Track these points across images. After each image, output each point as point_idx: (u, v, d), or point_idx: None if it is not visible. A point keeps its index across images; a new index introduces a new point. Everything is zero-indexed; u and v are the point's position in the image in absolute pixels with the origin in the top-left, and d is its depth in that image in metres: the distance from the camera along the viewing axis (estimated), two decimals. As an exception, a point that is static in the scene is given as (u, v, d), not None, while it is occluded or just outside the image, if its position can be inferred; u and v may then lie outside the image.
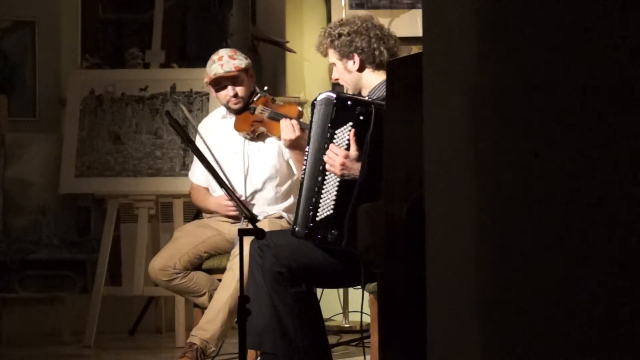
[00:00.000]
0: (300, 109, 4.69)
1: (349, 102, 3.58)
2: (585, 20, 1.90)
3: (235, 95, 4.68)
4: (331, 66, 3.96)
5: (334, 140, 3.58)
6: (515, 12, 1.95)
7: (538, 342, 1.92)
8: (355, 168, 3.53)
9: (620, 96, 1.88)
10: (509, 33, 1.95)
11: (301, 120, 4.51)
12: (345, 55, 3.85)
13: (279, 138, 4.56)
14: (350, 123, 3.56)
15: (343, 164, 3.54)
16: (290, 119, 4.50)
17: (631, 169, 1.87)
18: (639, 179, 1.87)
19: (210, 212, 4.80)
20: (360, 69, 3.86)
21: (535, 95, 1.93)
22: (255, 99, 4.72)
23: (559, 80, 1.92)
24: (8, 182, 5.76)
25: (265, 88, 4.78)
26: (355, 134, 3.54)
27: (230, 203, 4.64)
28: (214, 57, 4.73)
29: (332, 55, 3.89)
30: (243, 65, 4.69)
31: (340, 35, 3.85)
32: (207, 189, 4.82)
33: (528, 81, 1.94)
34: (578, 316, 1.90)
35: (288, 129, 4.44)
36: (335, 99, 3.59)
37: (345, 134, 3.57)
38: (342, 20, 3.98)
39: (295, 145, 4.46)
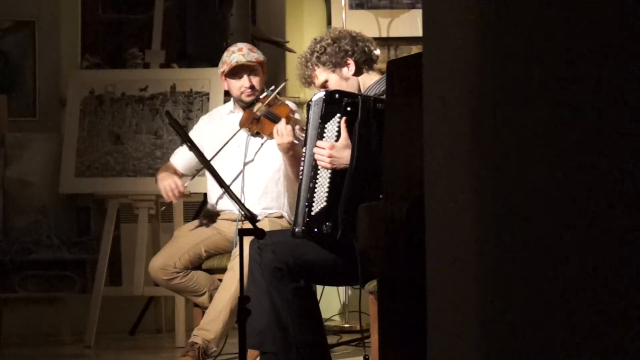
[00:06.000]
0: (293, 107, 4.70)
1: (336, 95, 3.65)
2: (587, 19, 1.90)
3: (251, 87, 4.73)
4: (324, 87, 3.93)
5: (325, 134, 3.64)
6: (516, 12, 1.95)
7: (538, 342, 1.92)
8: (344, 157, 3.58)
9: (621, 97, 1.88)
10: (509, 32, 1.95)
11: (297, 130, 4.43)
12: (338, 64, 3.88)
13: (270, 137, 4.60)
14: (338, 114, 3.63)
15: (330, 156, 3.58)
16: (280, 119, 4.51)
17: (633, 171, 1.87)
18: None
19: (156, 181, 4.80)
20: (357, 72, 3.89)
21: (535, 95, 1.93)
22: (261, 97, 4.74)
23: (560, 80, 1.92)
24: (8, 182, 5.76)
25: (272, 88, 4.80)
26: (345, 124, 3.60)
27: (173, 186, 4.66)
28: (233, 48, 4.79)
29: (324, 72, 3.91)
30: (262, 58, 4.79)
31: (324, 48, 3.89)
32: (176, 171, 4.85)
33: (528, 81, 1.94)
34: (578, 317, 1.90)
35: (278, 132, 4.40)
36: (324, 95, 3.65)
37: (334, 125, 3.64)
38: (313, 40, 4.00)
39: (284, 149, 4.43)
